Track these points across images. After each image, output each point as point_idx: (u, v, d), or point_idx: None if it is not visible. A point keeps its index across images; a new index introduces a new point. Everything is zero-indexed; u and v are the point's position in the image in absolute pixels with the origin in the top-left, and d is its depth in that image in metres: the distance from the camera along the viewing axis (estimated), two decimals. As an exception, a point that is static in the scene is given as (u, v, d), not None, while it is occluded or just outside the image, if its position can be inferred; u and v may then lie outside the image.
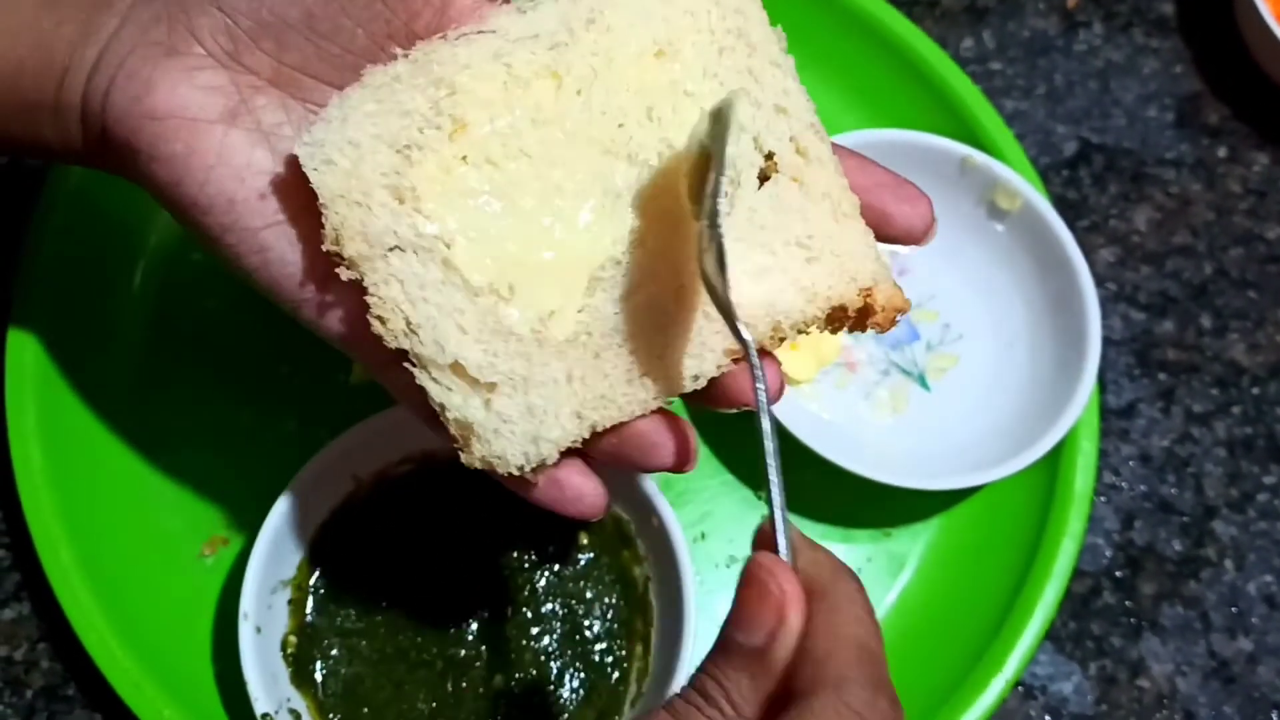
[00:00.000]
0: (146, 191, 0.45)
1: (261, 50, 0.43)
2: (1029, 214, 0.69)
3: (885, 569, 0.67)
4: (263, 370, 0.68)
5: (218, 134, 0.43)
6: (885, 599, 0.67)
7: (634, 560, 0.62)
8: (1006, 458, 0.65)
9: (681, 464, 0.44)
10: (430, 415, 0.43)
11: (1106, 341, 0.67)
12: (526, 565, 0.62)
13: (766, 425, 0.39)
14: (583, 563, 0.62)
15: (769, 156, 0.44)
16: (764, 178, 0.43)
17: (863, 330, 0.45)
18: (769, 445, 0.39)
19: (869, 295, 0.43)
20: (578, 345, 0.42)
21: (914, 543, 0.68)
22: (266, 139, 0.44)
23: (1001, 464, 0.64)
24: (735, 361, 0.43)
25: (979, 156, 0.69)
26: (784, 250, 0.43)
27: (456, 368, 0.42)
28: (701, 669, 0.37)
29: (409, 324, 0.42)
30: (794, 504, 0.67)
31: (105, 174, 0.67)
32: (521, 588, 0.62)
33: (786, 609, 0.37)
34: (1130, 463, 0.72)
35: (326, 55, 0.43)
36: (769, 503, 0.39)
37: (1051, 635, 0.67)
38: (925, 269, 0.73)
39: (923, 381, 0.71)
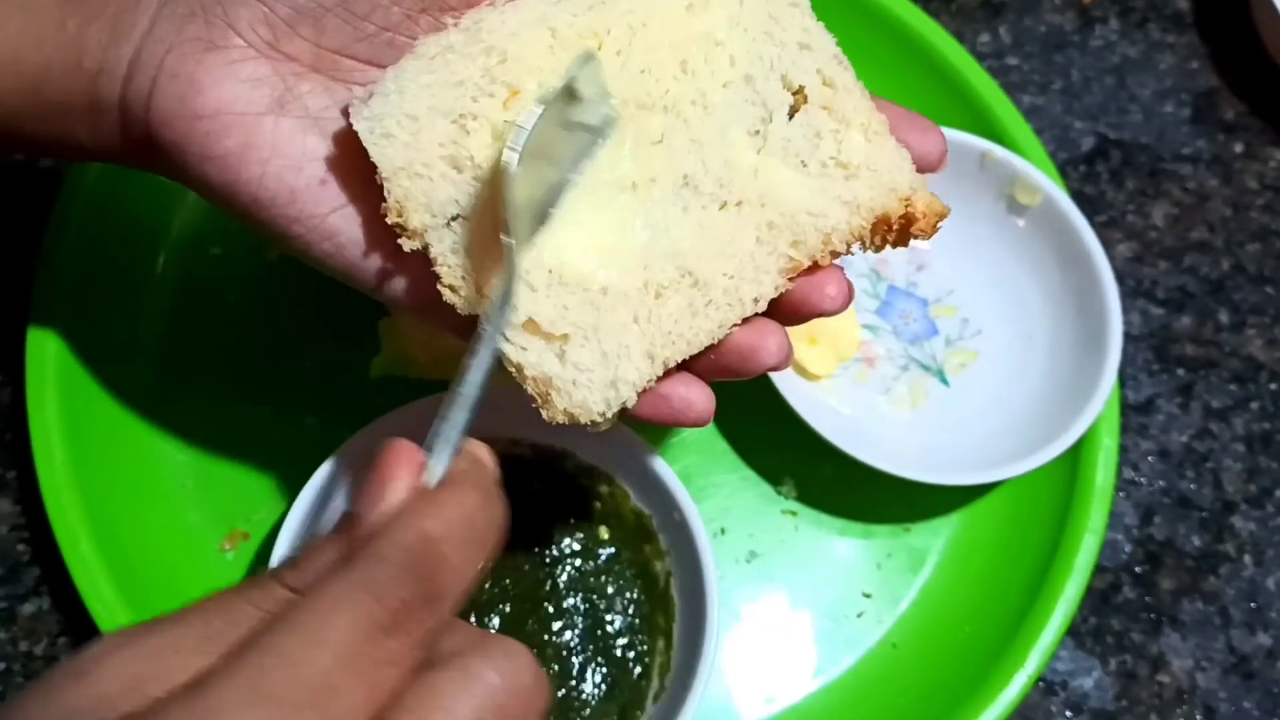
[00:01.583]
0: (198, 192, 0.45)
1: (300, 36, 0.43)
2: (1049, 209, 0.69)
3: (906, 565, 0.67)
4: (283, 364, 0.68)
5: (268, 126, 0.42)
6: (906, 595, 0.67)
7: (656, 555, 0.61)
8: (1026, 453, 0.64)
9: (784, 360, 0.44)
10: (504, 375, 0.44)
11: (1125, 337, 0.67)
12: (548, 560, 0.62)
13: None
14: (604, 558, 0.62)
15: (798, 91, 0.45)
16: (794, 111, 0.45)
17: (905, 243, 0.46)
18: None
19: (909, 204, 0.45)
20: (639, 288, 0.43)
21: (934, 538, 0.68)
22: (316, 124, 0.43)
23: (1022, 459, 0.64)
24: (791, 280, 0.44)
25: (999, 151, 0.69)
26: (822, 172, 0.45)
27: (529, 324, 0.42)
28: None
29: (477, 288, 0.42)
30: (813, 497, 0.68)
31: (123, 170, 0.68)
32: (543, 583, 0.61)
33: (392, 480, 0.35)
34: (1149, 458, 0.72)
35: (364, 35, 0.43)
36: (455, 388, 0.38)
37: (1071, 631, 0.67)
38: (944, 264, 0.73)
39: (942, 377, 0.71)
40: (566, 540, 0.62)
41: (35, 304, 0.65)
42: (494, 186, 0.42)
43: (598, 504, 0.63)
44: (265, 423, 0.67)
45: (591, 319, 0.43)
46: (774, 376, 0.65)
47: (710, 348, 0.45)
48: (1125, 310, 0.67)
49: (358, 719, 0.30)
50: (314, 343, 0.68)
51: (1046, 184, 0.69)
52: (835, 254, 0.45)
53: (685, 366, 0.45)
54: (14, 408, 0.68)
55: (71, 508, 0.61)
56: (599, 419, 0.44)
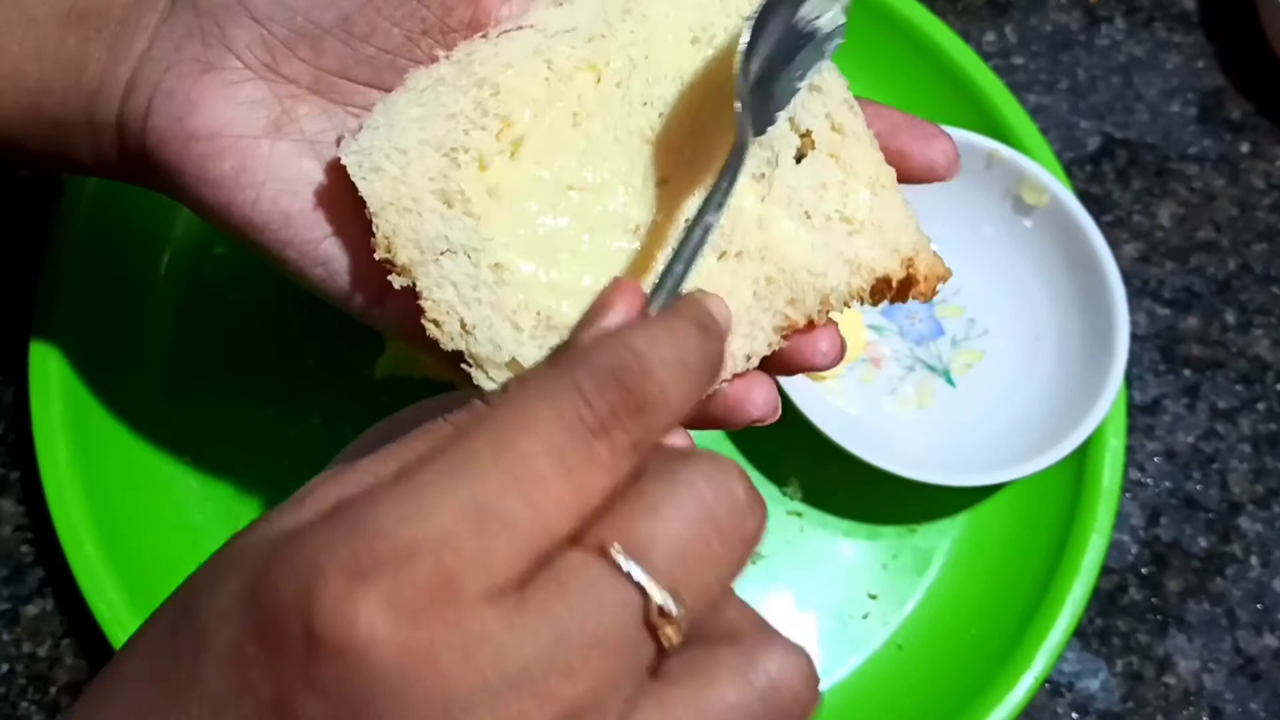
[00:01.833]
0: (193, 212, 0.44)
1: (299, 58, 0.42)
2: (1055, 209, 0.69)
3: (911, 566, 0.67)
4: (287, 364, 0.68)
5: (265, 149, 0.42)
6: (912, 596, 0.66)
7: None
8: (1033, 454, 0.64)
9: (771, 412, 0.44)
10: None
11: (1131, 337, 0.66)
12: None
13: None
14: (609, 558, 0.62)
15: (805, 134, 0.44)
16: (800, 156, 0.44)
17: (904, 301, 0.45)
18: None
19: (911, 265, 0.44)
20: None
21: (940, 539, 0.68)
22: (313, 148, 0.43)
23: (1028, 460, 0.64)
24: (785, 338, 0.43)
25: (1005, 151, 0.69)
26: (825, 225, 0.43)
27: (513, 365, 0.41)
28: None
29: (464, 325, 0.41)
30: (819, 498, 0.68)
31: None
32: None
33: (608, 308, 0.33)
34: (1155, 459, 0.72)
35: (363, 57, 0.43)
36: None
37: (1078, 632, 0.67)
38: (950, 263, 0.71)
39: (948, 377, 0.70)
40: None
41: (39, 303, 0.65)
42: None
43: (603, 505, 0.63)
44: (270, 422, 0.66)
45: None
46: (779, 376, 0.64)
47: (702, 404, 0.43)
48: (1131, 310, 0.67)
49: (563, 514, 0.29)
50: (319, 342, 0.68)
51: (1053, 184, 0.69)
52: (828, 312, 0.44)
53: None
54: (17, 407, 0.67)
55: (75, 508, 0.61)
56: None
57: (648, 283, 0.42)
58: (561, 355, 0.32)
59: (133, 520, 0.63)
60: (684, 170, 0.43)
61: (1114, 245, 0.68)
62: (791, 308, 0.43)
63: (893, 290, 0.44)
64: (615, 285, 0.34)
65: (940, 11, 0.79)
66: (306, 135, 0.43)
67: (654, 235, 0.43)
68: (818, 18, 0.42)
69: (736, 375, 0.43)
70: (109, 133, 0.44)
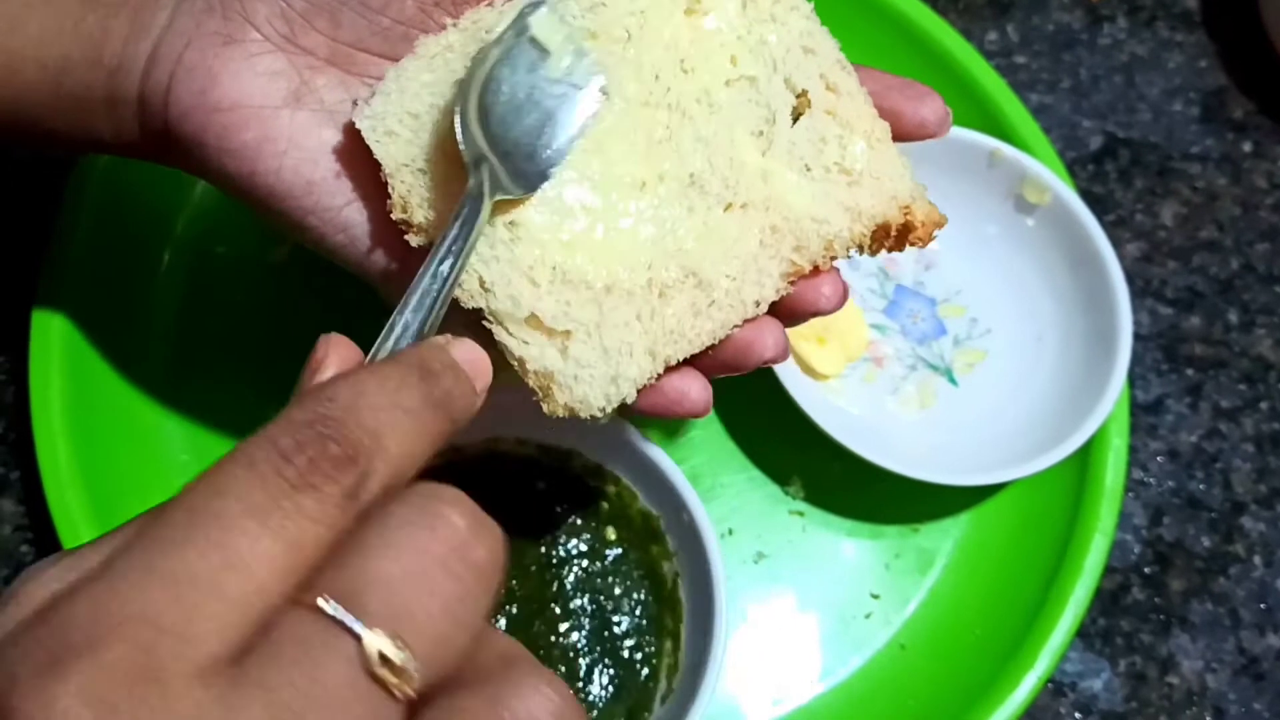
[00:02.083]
0: (215, 185, 0.45)
1: (316, 30, 0.43)
2: (1058, 208, 0.69)
3: (914, 565, 0.67)
4: (289, 364, 0.67)
5: (285, 119, 0.43)
6: (914, 596, 0.66)
7: (663, 556, 0.61)
8: (1036, 453, 0.64)
9: (782, 353, 0.45)
10: (504, 369, 0.44)
11: (1134, 337, 0.66)
12: (554, 561, 0.61)
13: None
14: (611, 558, 0.62)
15: (801, 94, 0.46)
16: (798, 114, 0.46)
17: (902, 249, 0.47)
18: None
19: (908, 212, 0.46)
20: (643, 286, 0.44)
21: (943, 539, 0.67)
22: (332, 117, 0.44)
23: (1031, 460, 0.64)
24: (791, 284, 0.45)
25: (1007, 150, 0.69)
26: (826, 177, 0.45)
27: (532, 320, 0.43)
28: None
29: (483, 283, 0.43)
30: (821, 498, 0.68)
31: (127, 170, 0.67)
32: (549, 583, 0.61)
33: (319, 370, 0.34)
34: (1158, 458, 0.72)
35: (378, 29, 0.44)
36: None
37: (1081, 632, 0.67)
38: (952, 263, 0.72)
39: (950, 376, 0.70)
40: (573, 541, 0.62)
41: (39, 302, 0.64)
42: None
43: (605, 504, 0.63)
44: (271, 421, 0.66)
45: (594, 316, 0.43)
46: (782, 376, 0.64)
47: (709, 345, 0.45)
48: (1134, 310, 0.67)
49: (274, 574, 0.27)
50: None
51: (1056, 183, 0.68)
52: (834, 258, 0.46)
53: (684, 362, 0.45)
54: (17, 406, 0.67)
55: (76, 508, 0.61)
56: (599, 414, 0.44)
57: (638, 248, 0.43)
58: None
59: (133, 520, 0.62)
60: (681, 124, 0.45)
61: (1116, 245, 0.68)
62: (797, 254, 0.45)
63: (891, 237, 0.46)
64: (324, 342, 0.34)
65: (942, 10, 0.79)
66: (325, 105, 0.44)
67: (664, 191, 0.44)
68: (567, 73, 0.44)
69: (747, 320, 0.45)
70: (130, 108, 0.45)
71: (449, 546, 0.28)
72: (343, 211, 0.44)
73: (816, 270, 0.45)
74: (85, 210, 0.66)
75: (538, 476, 0.63)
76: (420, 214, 0.43)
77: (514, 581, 0.61)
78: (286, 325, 0.68)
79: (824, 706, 0.64)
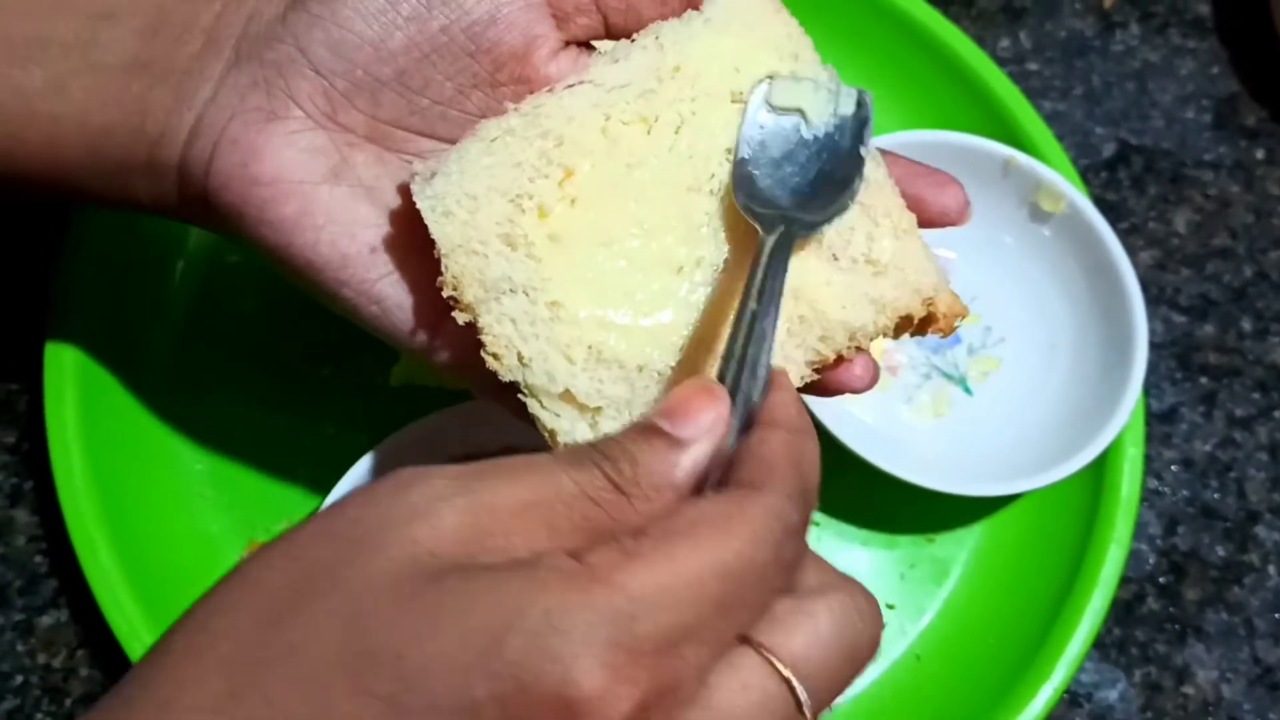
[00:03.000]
0: (254, 250, 0.46)
1: (357, 109, 0.44)
2: (1073, 216, 0.69)
3: (929, 576, 0.67)
4: (302, 372, 0.67)
5: (324, 194, 0.44)
6: (930, 607, 0.66)
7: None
8: (1051, 463, 0.64)
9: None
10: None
11: (1148, 345, 0.66)
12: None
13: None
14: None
15: None
16: None
17: (924, 335, 0.48)
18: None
19: (931, 304, 0.46)
20: (672, 367, 0.45)
21: (958, 549, 0.67)
22: (369, 193, 0.45)
23: (1047, 470, 0.64)
24: (817, 371, 0.46)
25: (1022, 158, 0.69)
26: (852, 267, 0.46)
27: (566, 395, 0.44)
28: (611, 437, 0.36)
29: (521, 358, 0.44)
30: (835, 508, 0.68)
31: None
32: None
33: (721, 421, 0.36)
34: (1173, 467, 0.72)
35: (416, 108, 0.45)
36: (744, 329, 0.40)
37: (1096, 642, 0.66)
38: (966, 271, 0.72)
39: (965, 385, 0.70)
40: (589, 551, 0.62)
41: (53, 313, 0.64)
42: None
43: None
44: (285, 431, 0.66)
45: (625, 394, 0.44)
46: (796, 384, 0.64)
47: None
48: (1147, 318, 0.67)
49: (738, 633, 0.33)
50: (333, 350, 0.68)
51: (1071, 191, 0.68)
52: (858, 349, 0.47)
53: None
54: (31, 417, 0.67)
55: (90, 518, 0.61)
56: None
57: (671, 330, 0.45)
58: (676, 447, 0.35)
59: (148, 530, 0.62)
60: (729, 216, 0.46)
61: (1130, 252, 0.68)
62: (822, 344, 0.46)
63: (913, 326, 0.47)
64: (697, 387, 0.37)
65: (955, 17, 0.79)
66: (363, 182, 0.45)
67: (699, 277, 0.45)
68: (830, 113, 0.46)
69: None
70: (170, 176, 0.46)
71: (869, 648, 0.36)
72: (377, 285, 0.45)
73: (840, 359, 0.46)
74: (99, 220, 0.66)
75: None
76: (470, 293, 0.44)
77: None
78: (300, 331, 0.68)
79: (840, 717, 0.63)
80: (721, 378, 0.38)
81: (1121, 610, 0.68)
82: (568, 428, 0.44)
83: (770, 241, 0.42)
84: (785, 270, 0.42)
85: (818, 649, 0.34)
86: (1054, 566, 0.65)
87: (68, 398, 0.63)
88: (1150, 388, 0.73)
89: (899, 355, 0.71)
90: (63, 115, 0.47)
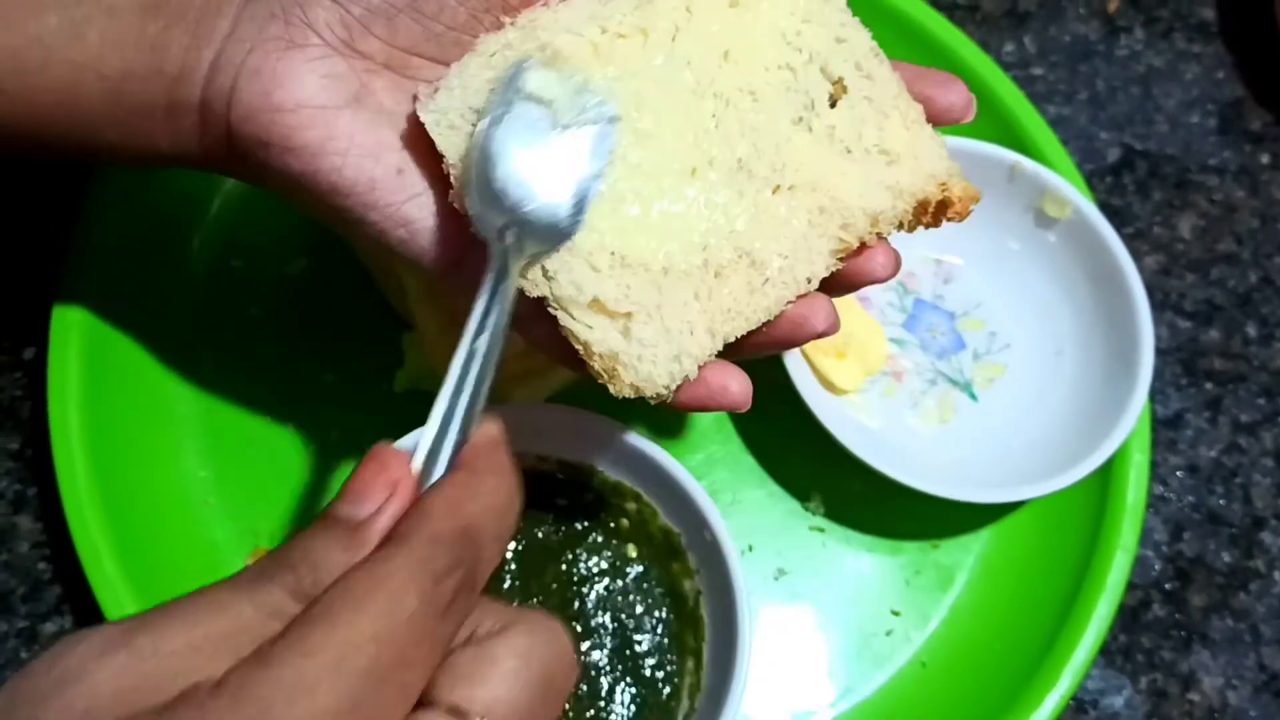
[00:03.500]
0: (275, 189, 0.46)
1: (374, 36, 0.45)
2: (1078, 222, 0.68)
3: (934, 582, 0.67)
4: (305, 378, 0.67)
5: (347, 118, 0.44)
6: (935, 613, 0.66)
7: (684, 574, 0.61)
8: (1057, 470, 0.64)
9: (833, 326, 0.47)
10: (570, 356, 0.46)
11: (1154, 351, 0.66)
12: (575, 579, 0.61)
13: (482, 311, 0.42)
14: (632, 576, 0.62)
15: (837, 81, 0.48)
16: (835, 101, 0.48)
17: (939, 224, 0.49)
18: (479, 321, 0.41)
19: (946, 188, 0.48)
20: (699, 267, 0.46)
21: (964, 555, 0.67)
22: (390, 119, 0.45)
23: (1053, 477, 0.63)
24: (841, 260, 0.47)
25: (1027, 163, 0.69)
26: (867, 158, 0.47)
27: (595, 304, 0.45)
28: (294, 539, 0.35)
29: (545, 271, 0.44)
30: (841, 513, 0.68)
31: (145, 187, 0.67)
32: (570, 602, 0.61)
33: (399, 485, 0.36)
34: (1178, 473, 0.72)
35: (431, 34, 0.45)
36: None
37: (1102, 649, 0.66)
38: (971, 276, 0.72)
39: (970, 391, 0.70)
40: (594, 558, 0.62)
41: (57, 317, 0.64)
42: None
43: (625, 521, 0.62)
44: (289, 437, 0.66)
45: (654, 298, 0.45)
46: (801, 391, 0.64)
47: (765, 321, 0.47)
48: (1153, 323, 0.67)
49: (415, 693, 0.32)
50: (337, 356, 0.68)
51: (1076, 197, 0.68)
52: (879, 235, 0.48)
53: (738, 341, 0.47)
54: (35, 423, 0.67)
55: (94, 525, 0.61)
56: (664, 391, 0.46)
57: (692, 231, 0.46)
58: (354, 534, 0.35)
59: (152, 537, 0.62)
60: (727, 112, 0.47)
61: (1135, 257, 0.67)
62: (844, 231, 0.46)
63: (929, 214, 0.48)
64: (375, 460, 0.37)
65: (959, 21, 0.79)
66: (384, 107, 0.45)
67: (714, 176, 0.46)
68: (578, 115, 0.45)
69: (800, 296, 0.47)
70: (191, 117, 0.46)
71: (564, 680, 0.36)
72: (403, 207, 0.45)
73: (863, 246, 0.47)
74: (102, 224, 0.66)
75: (558, 493, 0.62)
76: None
77: (535, 599, 0.61)
78: (303, 337, 0.68)
79: (845, 725, 0.63)
80: (443, 418, 0.38)
81: (1127, 617, 0.68)
82: (600, 337, 0.45)
83: (492, 264, 0.42)
84: (506, 300, 0.42)
85: (507, 689, 0.34)
86: (1059, 573, 0.65)
87: (71, 404, 0.62)
88: (1155, 393, 0.73)
89: (904, 361, 0.71)
90: (80, 61, 0.47)
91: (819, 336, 0.47)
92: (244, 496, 0.65)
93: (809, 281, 0.46)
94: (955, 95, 0.49)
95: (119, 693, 0.31)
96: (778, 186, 0.47)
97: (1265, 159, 0.80)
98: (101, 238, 0.66)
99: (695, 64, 0.47)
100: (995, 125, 0.73)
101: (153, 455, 0.64)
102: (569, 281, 0.44)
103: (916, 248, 0.72)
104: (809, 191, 0.46)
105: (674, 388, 0.46)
